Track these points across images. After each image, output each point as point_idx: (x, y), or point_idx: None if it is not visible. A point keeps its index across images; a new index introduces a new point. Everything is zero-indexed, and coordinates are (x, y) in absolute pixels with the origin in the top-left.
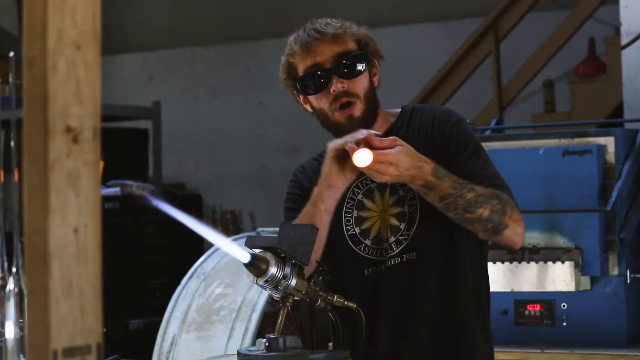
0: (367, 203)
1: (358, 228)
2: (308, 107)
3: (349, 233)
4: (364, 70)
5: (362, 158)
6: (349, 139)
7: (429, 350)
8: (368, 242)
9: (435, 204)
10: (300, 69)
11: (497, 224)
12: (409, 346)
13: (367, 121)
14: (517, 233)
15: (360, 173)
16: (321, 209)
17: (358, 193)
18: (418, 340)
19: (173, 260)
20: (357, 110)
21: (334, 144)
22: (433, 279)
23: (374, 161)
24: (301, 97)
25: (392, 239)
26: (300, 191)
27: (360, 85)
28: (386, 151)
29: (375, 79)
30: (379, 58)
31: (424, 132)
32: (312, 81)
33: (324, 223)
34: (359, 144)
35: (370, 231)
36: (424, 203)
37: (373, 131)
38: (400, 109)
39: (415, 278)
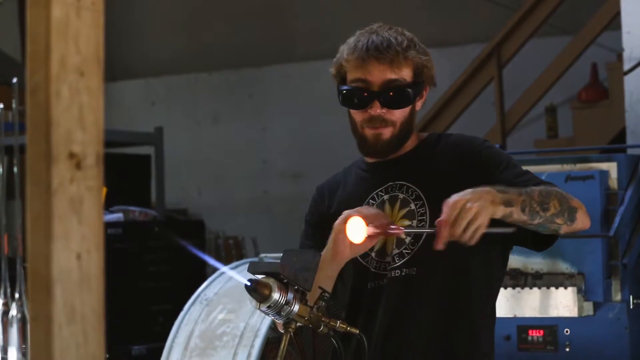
0: None
1: None
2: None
3: None
4: (411, 103)
5: (356, 230)
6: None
7: None
8: (373, 254)
9: (522, 219)
10: (350, 76)
11: (570, 211)
12: None
13: (394, 145)
14: (585, 212)
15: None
16: (322, 275)
17: (372, 205)
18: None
19: (176, 286)
20: (387, 133)
21: (346, 214)
22: (430, 298)
23: (451, 217)
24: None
25: (396, 251)
26: (316, 211)
27: (401, 114)
28: (449, 205)
29: (419, 103)
30: (431, 84)
31: (450, 153)
32: (355, 97)
33: (326, 287)
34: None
35: (376, 243)
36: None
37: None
38: (428, 133)
39: (412, 294)
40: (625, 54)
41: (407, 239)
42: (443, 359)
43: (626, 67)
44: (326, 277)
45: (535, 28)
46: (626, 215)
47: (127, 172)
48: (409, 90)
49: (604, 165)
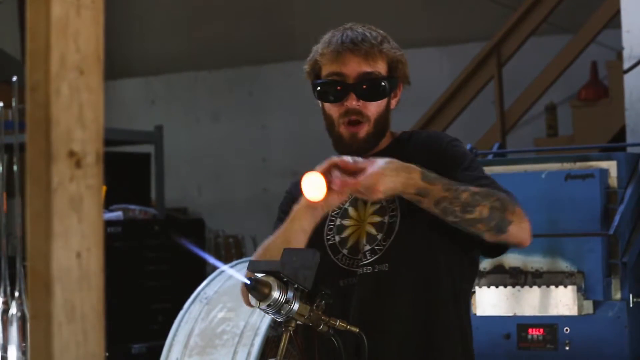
0: (351, 211)
1: (338, 237)
2: (319, 103)
3: (329, 243)
4: (386, 96)
5: (312, 187)
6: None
7: None
8: (345, 251)
9: (433, 211)
10: (324, 71)
11: (500, 221)
12: None
13: (371, 143)
14: (523, 228)
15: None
16: (296, 227)
17: (346, 201)
18: (387, 356)
19: (175, 284)
20: (363, 131)
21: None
22: (404, 295)
23: (362, 185)
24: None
25: (367, 247)
26: (291, 203)
27: (375, 108)
28: (368, 172)
29: (393, 102)
30: (405, 82)
31: (420, 151)
32: (330, 90)
33: (298, 242)
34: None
35: (348, 240)
36: (406, 217)
37: (347, 158)
38: (401, 132)
39: (385, 291)
40: (625, 53)
41: (379, 235)
42: (419, 356)
43: (626, 65)
44: (301, 230)
45: (535, 27)
46: (626, 214)
47: (127, 170)
48: (384, 83)
49: (603, 164)
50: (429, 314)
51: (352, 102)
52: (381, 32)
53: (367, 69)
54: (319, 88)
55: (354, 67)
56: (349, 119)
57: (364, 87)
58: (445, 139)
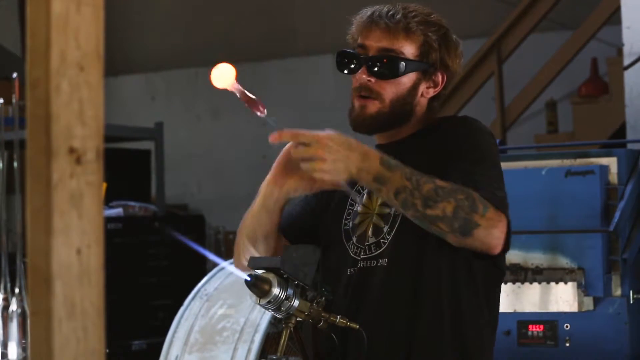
0: (366, 199)
1: (352, 222)
2: None
3: (345, 227)
4: (398, 76)
5: (220, 75)
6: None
7: None
8: (354, 239)
9: (393, 203)
10: (356, 41)
11: (465, 223)
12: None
13: (382, 122)
14: (492, 234)
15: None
16: (260, 202)
17: (364, 188)
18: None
19: (176, 281)
20: (374, 107)
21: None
22: (398, 294)
23: (301, 157)
24: None
25: (372, 240)
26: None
27: (390, 89)
28: (311, 133)
29: (426, 90)
30: (446, 70)
31: (444, 140)
32: (345, 60)
33: (260, 219)
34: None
35: (358, 228)
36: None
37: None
38: (440, 117)
39: (380, 288)
40: (625, 49)
41: (385, 228)
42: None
43: (626, 62)
44: (264, 209)
45: (535, 23)
46: (626, 210)
47: (127, 167)
48: (401, 63)
49: (604, 160)
50: (419, 316)
51: (363, 77)
52: (434, 17)
53: (387, 45)
54: (339, 55)
55: (376, 41)
56: (359, 93)
57: (378, 63)
58: (472, 126)
